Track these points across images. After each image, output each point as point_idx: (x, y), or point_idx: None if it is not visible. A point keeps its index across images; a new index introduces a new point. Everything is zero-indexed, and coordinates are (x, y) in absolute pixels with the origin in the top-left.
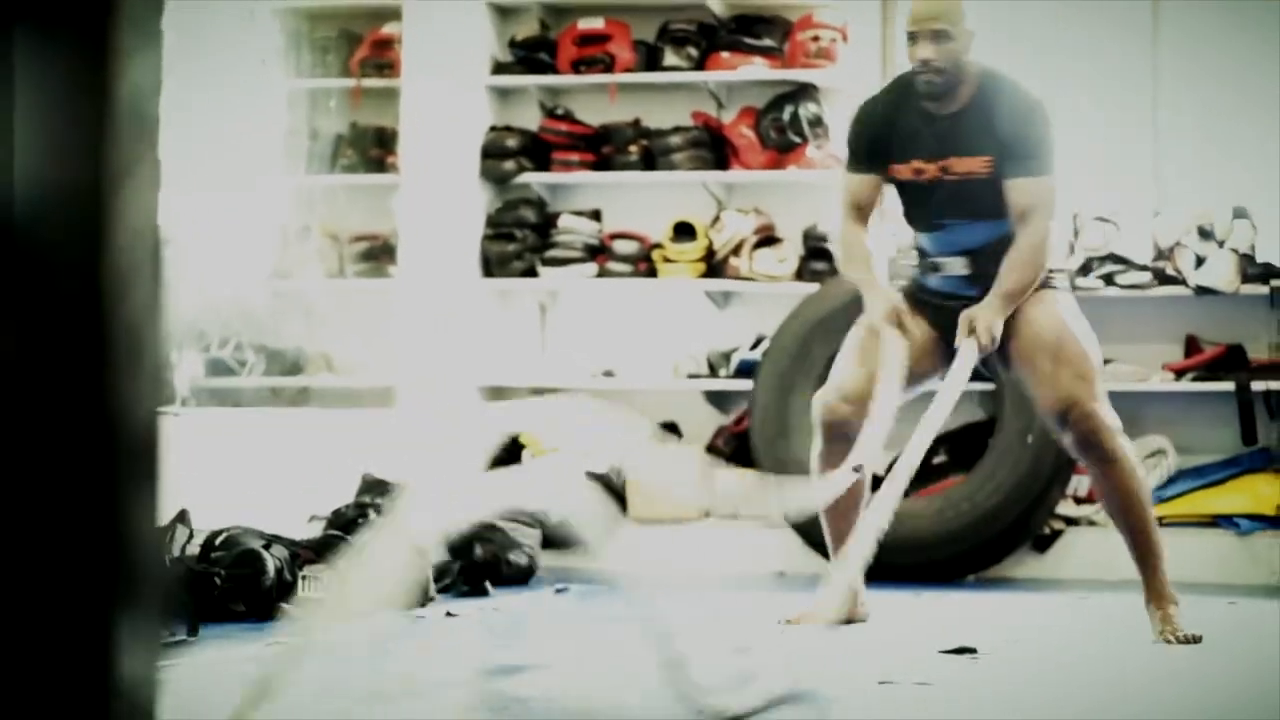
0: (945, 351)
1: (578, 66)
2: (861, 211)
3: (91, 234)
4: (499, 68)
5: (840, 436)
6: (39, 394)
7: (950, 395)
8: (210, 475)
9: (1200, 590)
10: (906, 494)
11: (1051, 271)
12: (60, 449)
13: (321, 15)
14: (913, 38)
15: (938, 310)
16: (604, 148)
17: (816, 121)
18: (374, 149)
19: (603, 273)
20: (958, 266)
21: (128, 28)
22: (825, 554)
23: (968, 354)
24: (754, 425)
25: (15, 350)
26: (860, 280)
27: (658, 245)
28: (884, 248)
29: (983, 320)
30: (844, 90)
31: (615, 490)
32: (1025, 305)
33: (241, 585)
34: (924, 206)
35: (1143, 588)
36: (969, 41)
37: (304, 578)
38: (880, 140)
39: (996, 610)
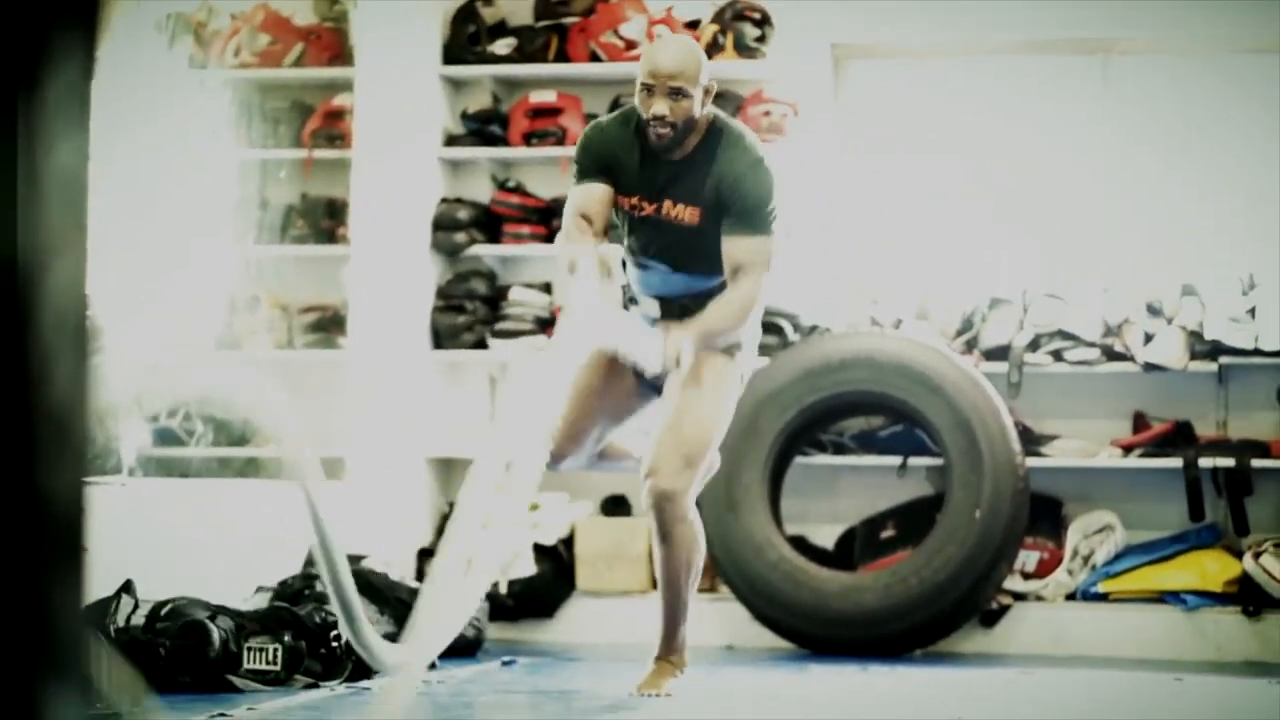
0: (640, 386)
1: (529, 139)
2: (589, 222)
3: (14, 312)
4: (450, 140)
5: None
6: None
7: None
8: (156, 545)
9: (1146, 666)
10: (854, 568)
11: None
12: None
13: (273, 86)
14: (648, 89)
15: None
16: (555, 220)
17: None
18: (325, 220)
19: None
20: (650, 309)
21: (53, 102)
22: (776, 628)
23: (652, 350)
24: (702, 500)
25: None
26: (572, 304)
27: None
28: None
29: (680, 341)
30: (796, 165)
31: (563, 562)
32: (700, 358)
33: (186, 656)
34: (637, 241)
35: (659, 642)
36: (705, 99)
37: (249, 649)
38: (605, 163)
39: (943, 685)
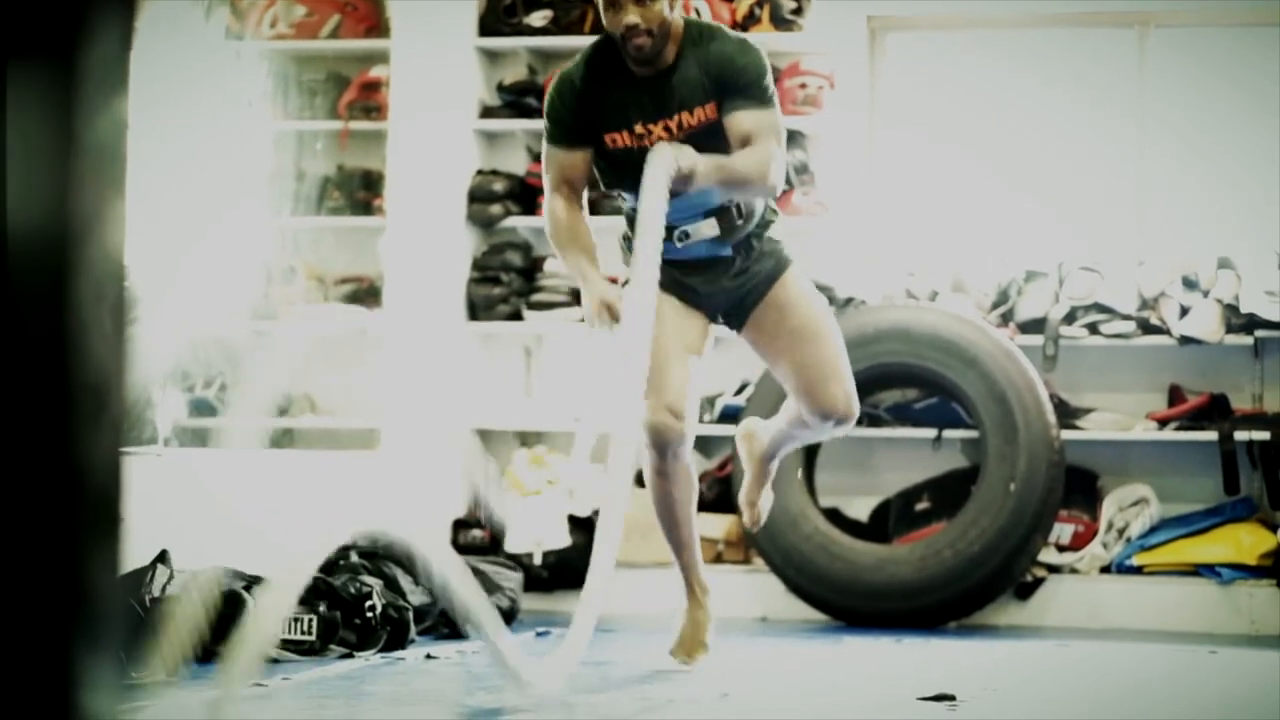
0: (707, 325)
1: None
2: (573, 190)
3: (53, 282)
4: (486, 112)
5: (673, 453)
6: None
7: (648, 220)
8: (192, 516)
9: (1180, 639)
10: (889, 540)
11: (775, 214)
12: (21, 497)
13: (310, 57)
14: (613, 4)
15: (699, 280)
16: (590, 193)
17: (803, 169)
18: (361, 191)
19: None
20: (706, 229)
21: (92, 73)
22: (810, 600)
23: (659, 165)
24: (737, 471)
25: None
26: (578, 270)
27: None
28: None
29: (684, 152)
30: (831, 138)
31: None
32: (776, 288)
33: (222, 626)
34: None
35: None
36: (674, 3)
37: (284, 619)
38: (587, 111)
39: (977, 657)
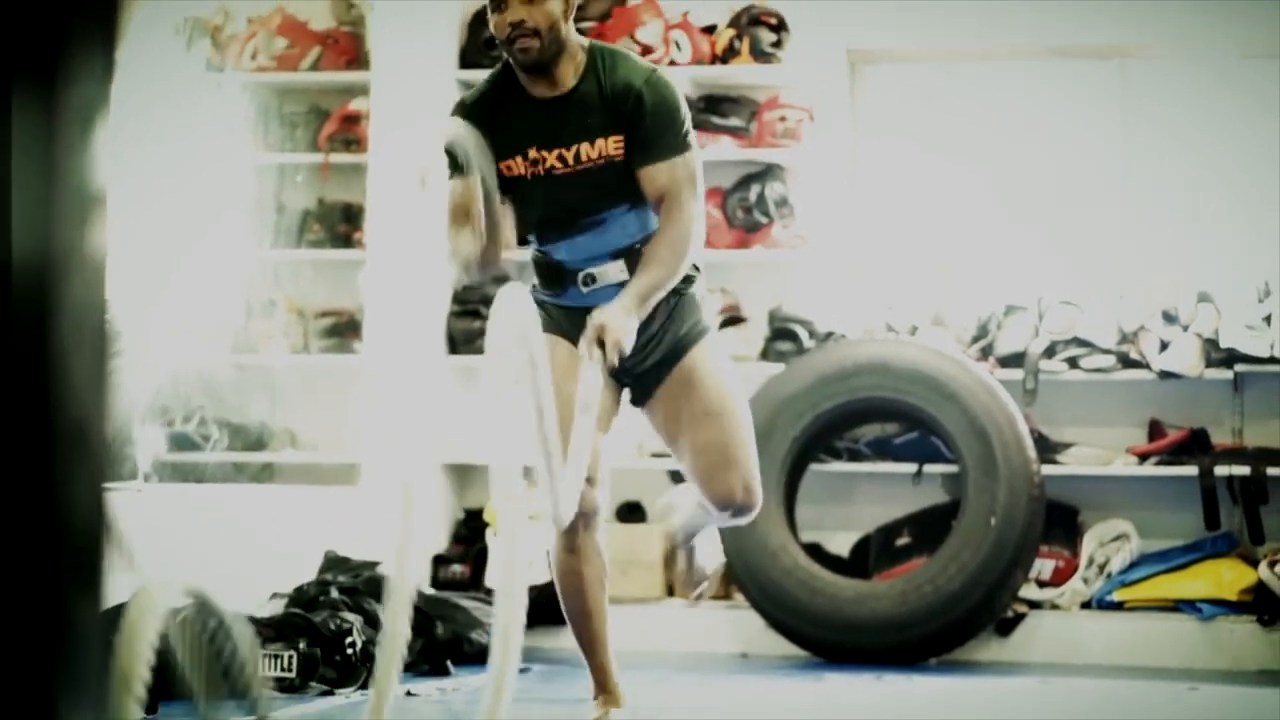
0: (615, 388)
1: None
2: (469, 217)
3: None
4: None
5: (589, 523)
6: None
7: (584, 422)
8: (172, 551)
9: (1161, 675)
10: (869, 575)
11: (696, 270)
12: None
13: (290, 90)
14: (497, 3)
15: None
16: None
17: (783, 202)
18: (341, 224)
19: None
20: (614, 273)
21: (73, 106)
22: (790, 636)
23: (593, 372)
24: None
25: None
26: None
27: None
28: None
29: (614, 327)
30: (811, 170)
31: None
32: (685, 360)
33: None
34: (556, 205)
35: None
36: (569, 9)
37: (265, 656)
38: (482, 137)
39: (959, 693)
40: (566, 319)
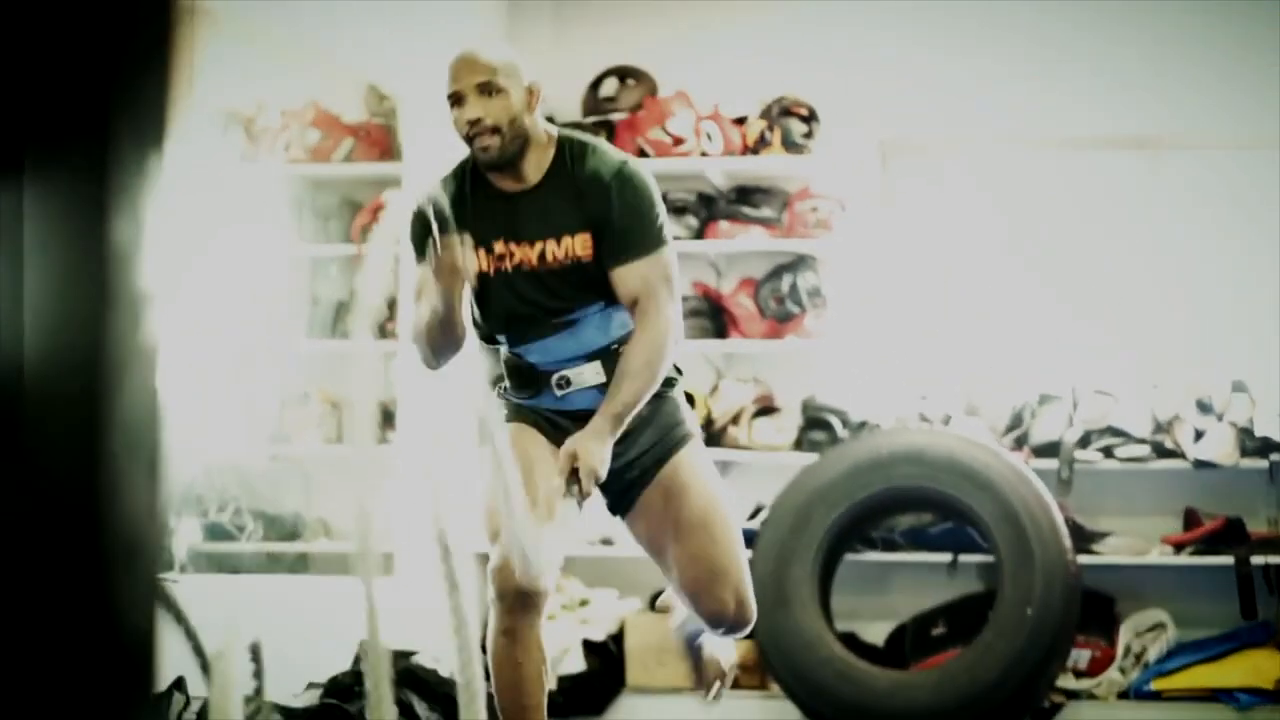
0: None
1: None
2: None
3: (87, 427)
4: None
5: (530, 606)
6: (30, 593)
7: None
8: (207, 642)
9: None
10: (905, 665)
11: (678, 372)
12: (57, 649)
13: (323, 182)
14: (456, 99)
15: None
16: None
17: (815, 292)
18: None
19: None
20: (590, 375)
21: (125, 195)
22: None
23: (568, 504)
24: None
25: (5, 549)
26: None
27: None
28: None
29: (587, 455)
30: (843, 260)
31: (613, 658)
32: (668, 468)
33: None
34: (522, 305)
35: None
36: (532, 101)
37: None
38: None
39: None
40: (539, 419)
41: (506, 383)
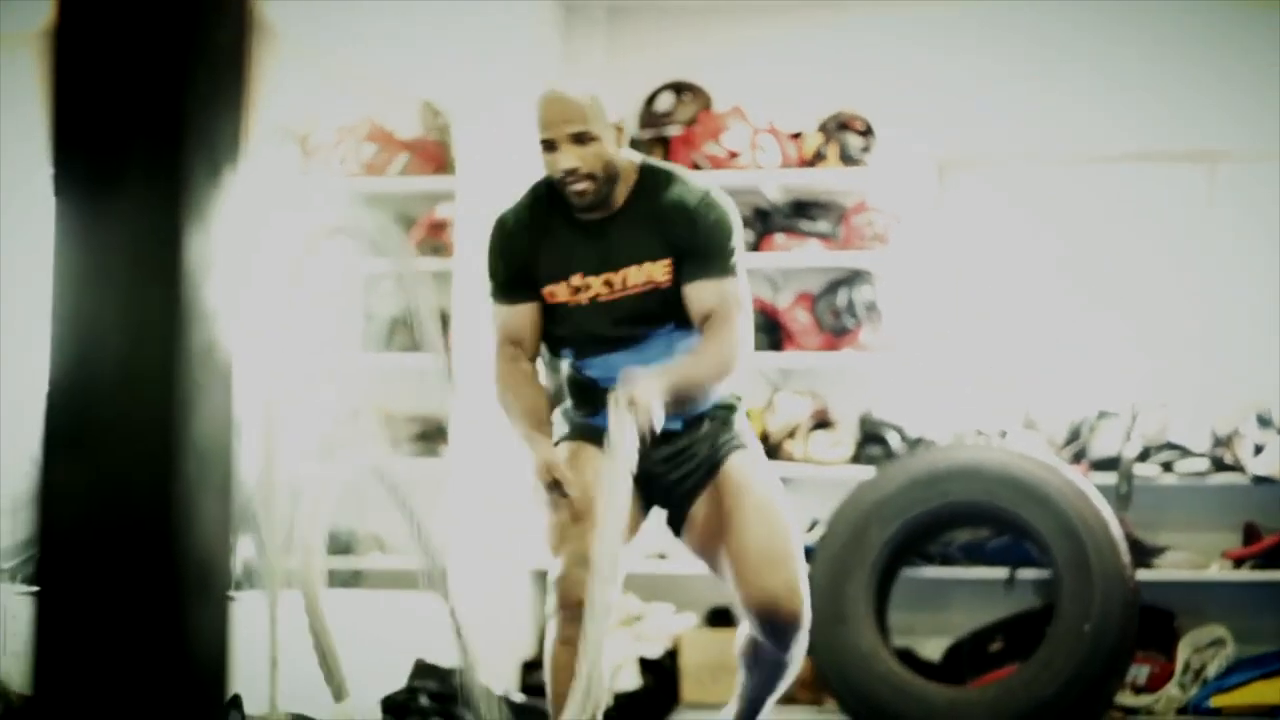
0: (639, 505)
1: None
2: (520, 348)
3: (163, 450)
4: None
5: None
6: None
7: (617, 497)
8: (263, 660)
9: None
10: (963, 681)
11: (737, 399)
12: (132, 679)
13: (378, 198)
14: (549, 145)
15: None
16: None
17: (871, 306)
18: None
19: None
20: None
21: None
22: None
23: (627, 435)
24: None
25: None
26: (523, 435)
27: None
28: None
29: (644, 392)
30: (900, 274)
31: (667, 674)
32: (722, 472)
33: None
34: (596, 329)
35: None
36: (620, 139)
37: None
38: (525, 261)
39: None
40: (596, 435)
41: (568, 400)
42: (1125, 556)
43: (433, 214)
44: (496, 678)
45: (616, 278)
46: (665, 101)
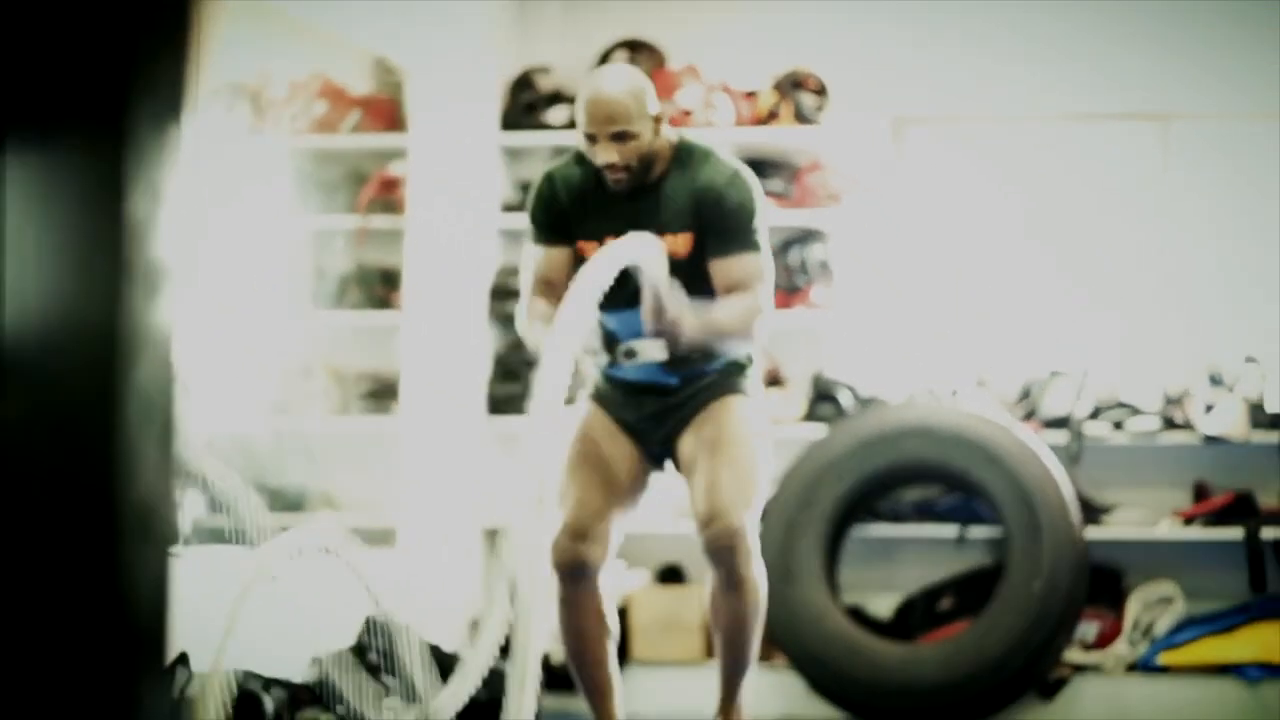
0: (647, 463)
1: None
2: (551, 287)
3: (102, 398)
4: (508, 208)
5: (580, 577)
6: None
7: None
8: (210, 616)
9: None
10: (912, 639)
11: (750, 361)
12: (70, 622)
13: (329, 155)
14: (591, 139)
15: (632, 407)
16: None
17: (825, 265)
18: (379, 288)
19: None
20: (653, 350)
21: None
22: (833, 699)
23: (657, 268)
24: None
25: (19, 521)
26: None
27: None
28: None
29: (673, 308)
30: (853, 233)
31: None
32: (711, 405)
33: None
34: (614, 285)
35: (719, 700)
36: (658, 128)
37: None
38: (565, 214)
39: None
40: (607, 395)
41: (595, 347)
42: (1075, 515)
43: (384, 171)
44: (446, 634)
45: None
46: (618, 59)
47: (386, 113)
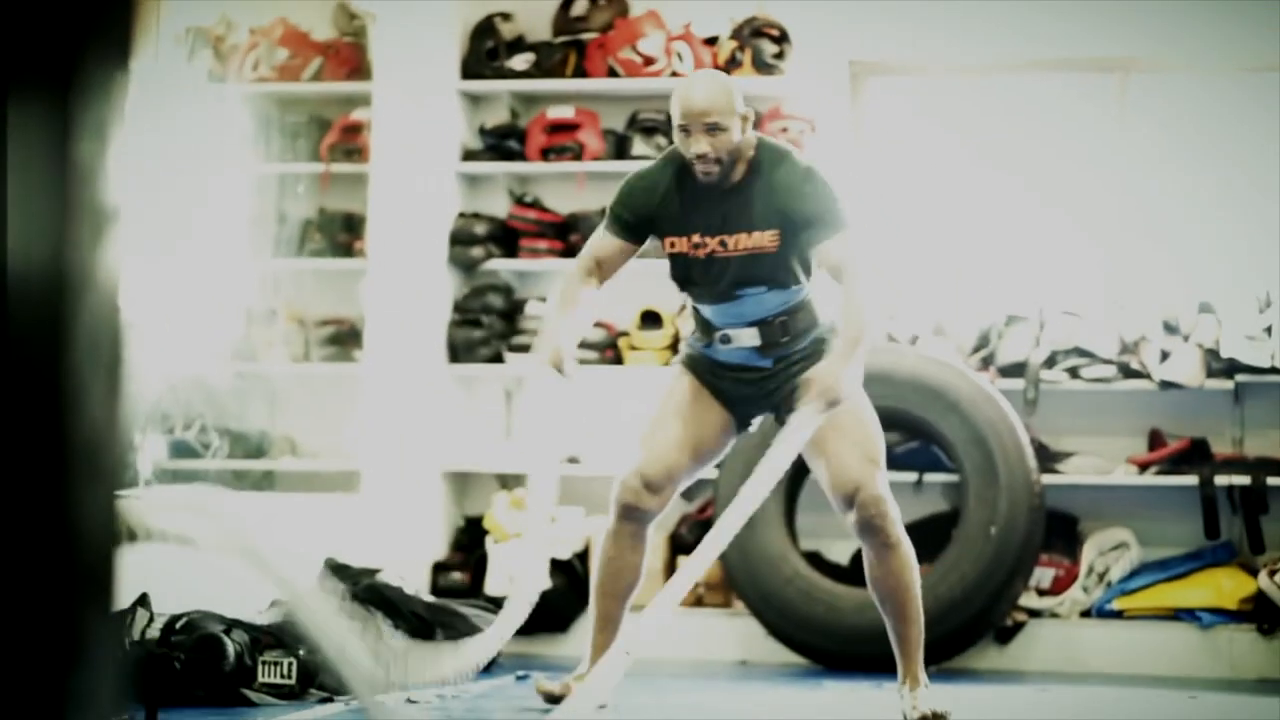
0: (734, 427)
1: (547, 154)
2: (598, 269)
3: (48, 334)
4: (468, 155)
5: (635, 520)
6: None
7: (781, 456)
8: (171, 558)
9: (1161, 684)
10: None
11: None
12: (16, 556)
13: (291, 100)
14: (685, 130)
15: (730, 383)
16: (572, 235)
17: None
18: (342, 234)
19: None
20: (747, 338)
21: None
22: (790, 643)
23: (808, 416)
24: (718, 513)
25: None
26: (553, 317)
27: (624, 333)
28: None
29: (822, 377)
30: None
31: (578, 576)
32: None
33: (201, 670)
34: (708, 279)
35: (900, 669)
36: (745, 127)
37: (264, 663)
38: (650, 214)
39: (957, 702)
40: (703, 364)
41: (694, 327)
42: (1031, 461)
43: (347, 117)
44: (408, 579)
45: (731, 239)
46: (580, 7)
47: (350, 59)
